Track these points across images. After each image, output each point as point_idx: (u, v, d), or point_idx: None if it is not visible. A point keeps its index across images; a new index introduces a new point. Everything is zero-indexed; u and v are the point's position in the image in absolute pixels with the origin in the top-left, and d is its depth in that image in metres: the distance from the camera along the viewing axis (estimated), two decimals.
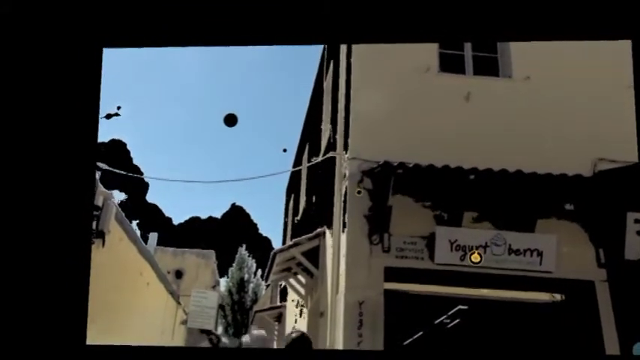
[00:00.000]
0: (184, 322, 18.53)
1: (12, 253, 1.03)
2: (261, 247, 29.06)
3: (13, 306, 1.01)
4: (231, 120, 7.71)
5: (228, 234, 34.37)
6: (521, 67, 6.90)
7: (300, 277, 8.91)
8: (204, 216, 40.06)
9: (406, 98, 6.81)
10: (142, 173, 30.82)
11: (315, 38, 1.17)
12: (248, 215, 40.16)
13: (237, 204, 40.73)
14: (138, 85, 50.55)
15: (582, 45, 6.56)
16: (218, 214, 40.55)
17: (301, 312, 9.89)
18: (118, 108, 8.26)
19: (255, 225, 39.72)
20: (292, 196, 14.21)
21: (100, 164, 8.34)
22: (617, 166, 6.30)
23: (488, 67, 7.07)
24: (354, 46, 7.03)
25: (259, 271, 26.34)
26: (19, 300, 1.02)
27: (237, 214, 40.10)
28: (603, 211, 6.30)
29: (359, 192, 6.41)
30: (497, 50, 7.15)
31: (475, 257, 6.26)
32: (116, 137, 33.79)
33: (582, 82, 6.72)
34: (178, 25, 1.12)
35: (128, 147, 36.75)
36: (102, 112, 1.12)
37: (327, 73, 9.35)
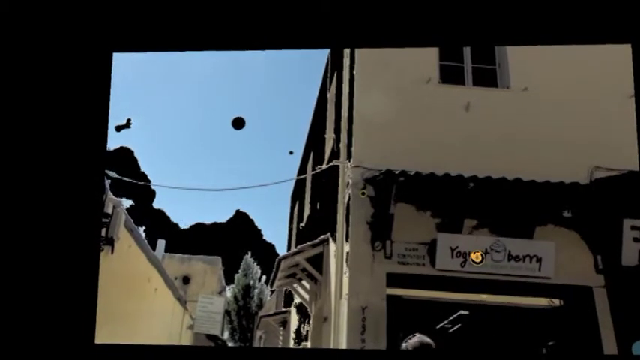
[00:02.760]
0: (191, 327, 18.67)
1: (24, 257, 1.06)
2: (265, 253, 29.20)
3: (26, 306, 1.05)
4: (238, 123, 7.83)
5: (232, 240, 34.49)
6: (519, 78, 7.06)
7: (304, 282, 9.03)
8: (208, 222, 40.24)
9: (408, 108, 6.96)
10: (149, 180, 31.03)
11: (316, 42, 1.19)
12: (252, 221, 40.33)
13: (241, 210, 40.93)
14: (140, 90, 50.83)
15: (578, 56, 6.74)
16: (222, 220, 40.75)
17: (305, 317, 10.01)
18: (129, 120, 8.36)
19: (259, 231, 39.88)
20: (297, 203, 14.36)
21: (109, 172, 8.48)
22: (613, 174, 6.43)
23: (487, 78, 7.23)
24: (357, 58, 7.20)
25: (264, 277, 26.47)
26: (31, 301, 1.05)
27: (241, 220, 40.24)
28: (600, 218, 6.41)
29: (363, 193, 6.53)
30: (496, 62, 7.32)
31: (477, 257, 6.37)
32: (123, 144, 34.09)
33: (579, 93, 6.88)
34: (184, 30, 1.13)
35: (135, 154, 36.98)
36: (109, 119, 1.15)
37: (330, 83, 9.53)
